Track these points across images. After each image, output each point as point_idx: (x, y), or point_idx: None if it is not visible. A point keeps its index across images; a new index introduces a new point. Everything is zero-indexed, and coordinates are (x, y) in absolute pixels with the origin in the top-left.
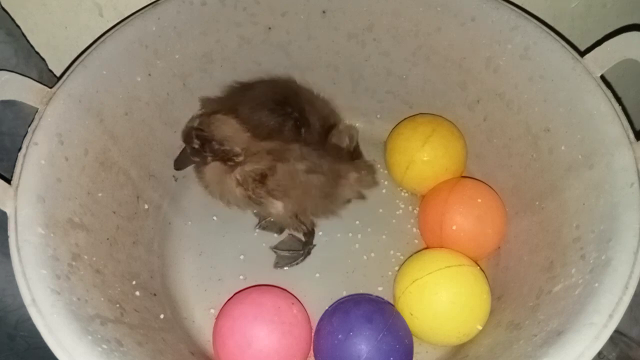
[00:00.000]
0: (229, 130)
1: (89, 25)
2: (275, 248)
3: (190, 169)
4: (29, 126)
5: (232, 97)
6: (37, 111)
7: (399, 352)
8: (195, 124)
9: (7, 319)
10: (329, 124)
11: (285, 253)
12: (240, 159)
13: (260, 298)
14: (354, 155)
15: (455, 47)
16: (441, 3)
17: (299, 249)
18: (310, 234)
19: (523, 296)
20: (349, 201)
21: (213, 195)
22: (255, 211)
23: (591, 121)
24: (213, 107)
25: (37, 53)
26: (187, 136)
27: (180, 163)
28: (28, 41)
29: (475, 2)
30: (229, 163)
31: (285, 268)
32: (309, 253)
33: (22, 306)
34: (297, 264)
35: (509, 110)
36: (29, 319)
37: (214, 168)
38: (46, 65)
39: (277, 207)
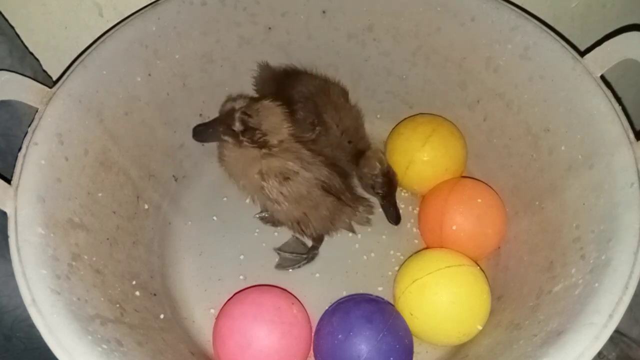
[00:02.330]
0: (276, 122)
1: (89, 25)
2: (278, 250)
3: (190, 169)
4: (29, 126)
5: (280, 78)
6: (37, 111)
7: (399, 352)
8: (239, 106)
9: (4, 319)
10: (358, 148)
11: (288, 255)
12: (275, 150)
13: (260, 298)
14: (389, 178)
15: (455, 47)
16: (441, 3)
17: (302, 253)
18: (318, 239)
19: (523, 296)
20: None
21: (228, 172)
22: (261, 210)
23: (591, 121)
24: (267, 75)
25: (32, 53)
26: (228, 116)
27: (203, 136)
28: (22, 41)
29: (475, 2)
30: (262, 150)
31: (290, 270)
32: (312, 258)
33: (18, 307)
34: (299, 267)
35: (509, 110)
36: (25, 319)
37: (241, 148)
38: (40, 65)
39: (284, 208)
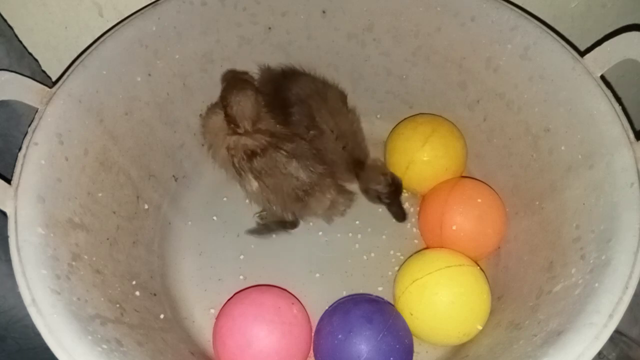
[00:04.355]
0: (245, 109)
1: (89, 25)
2: (259, 213)
3: (190, 169)
4: (29, 126)
5: (277, 78)
6: (37, 111)
7: (399, 352)
8: (239, 78)
9: None
10: (354, 157)
11: (264, 222)
12: (241, 131)
13: (260, 298)
14: (396, 187)
15: (455, 47)
16: (441, 3)
17: (275, 228)
18: (291, 223)
19: (523, 296)
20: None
21: (203, 138)
22: (262, 210)
23: (591, 121)
24: (267, 77)
25: (30, 54)
26: (225, 78)
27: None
28: (20, 41)
29: (475, 2)
30: (231, 126)
31: (252, 246)
32: (293, 226)
33: (13, 307)
34: (266, 236)
35: (509, 110)
36: (20, 320)
37: (220, 119)
38: (39, 65)
39: (252, 185)
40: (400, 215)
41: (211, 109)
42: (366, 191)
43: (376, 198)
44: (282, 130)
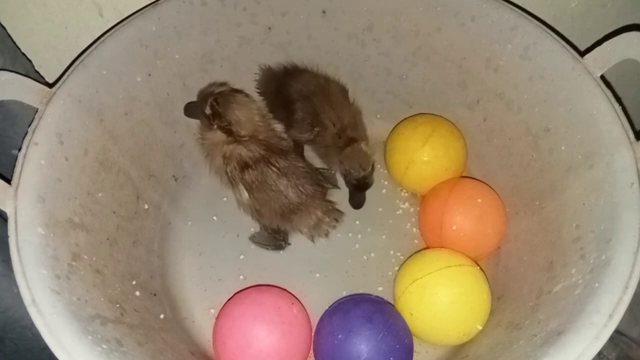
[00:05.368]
0: (244, 115)
1: (89, 25)
2: (250, 236)
3: (190, 169)
4: (29, 126)
5: (277, 77)
6: (37, 111)
7: (399, 352)
8: (216, 92)
9: None
10: (349, 136)
11: (265, 233)
12: (244, 139)
13: (260, 298)
14: (364, 184)
15: (455, 47)
16: (441, 3)
17: (272, 242)
18: (275, 231)
19: (523, 296)
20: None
21: (201, 149)
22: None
23: (591, 121)
24: (268, 76)
25: (24, 54)
26: (203, 100)
27: (190, 112)
28: (14, 42)
29: (475, 2)
30: (228, 137)
31: (252, 246)
32: (279, 247)
33: (9, 308)
34: (265, 248)
35: (509, 110)
36: (17, 321)
37: (212, 131)
38: (32, 66)
39: (244, 195)
40: (355, 203)
41: (201, 127)
42: (341, 162)
43: (343, 175)
44: (279, 143)
